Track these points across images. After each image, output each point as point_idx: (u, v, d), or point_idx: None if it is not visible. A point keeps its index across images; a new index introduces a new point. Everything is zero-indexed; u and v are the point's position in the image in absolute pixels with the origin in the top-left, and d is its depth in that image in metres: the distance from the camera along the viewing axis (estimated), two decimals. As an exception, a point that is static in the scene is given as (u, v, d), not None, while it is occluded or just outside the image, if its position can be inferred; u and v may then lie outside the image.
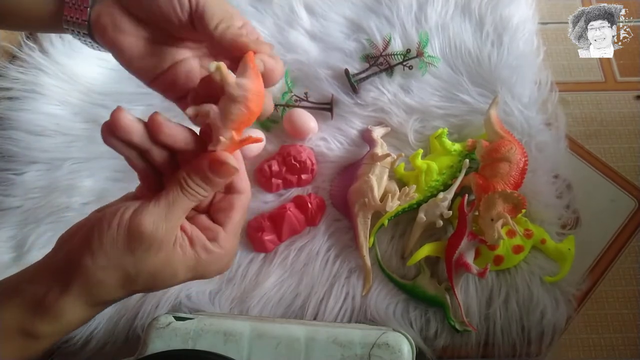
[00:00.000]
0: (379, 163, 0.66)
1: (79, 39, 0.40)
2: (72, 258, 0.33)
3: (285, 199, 0.70)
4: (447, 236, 0.65)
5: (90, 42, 0.40)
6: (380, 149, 0.68)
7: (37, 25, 0.41)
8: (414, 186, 0.64)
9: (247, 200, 0.38)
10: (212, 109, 0.33)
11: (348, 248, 0.67)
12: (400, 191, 0.64)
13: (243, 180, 0.38)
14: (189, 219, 0.36)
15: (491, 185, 0.62)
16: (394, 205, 0.62)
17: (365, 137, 0.72)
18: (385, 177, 0.66)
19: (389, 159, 0.66)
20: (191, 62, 0.40)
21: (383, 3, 0.83)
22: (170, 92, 0.42)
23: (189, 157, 0.35)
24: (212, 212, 0.37)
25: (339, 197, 0.68)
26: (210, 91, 0.34)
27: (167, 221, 0.33)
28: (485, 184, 0.63)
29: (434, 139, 0.70)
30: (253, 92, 0.32)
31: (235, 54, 0.34)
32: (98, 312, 0.35)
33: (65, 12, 0.37)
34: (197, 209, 0.37)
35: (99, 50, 0.41)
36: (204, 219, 0.37)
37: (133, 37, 0.38)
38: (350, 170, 0.69)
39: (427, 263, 0.65)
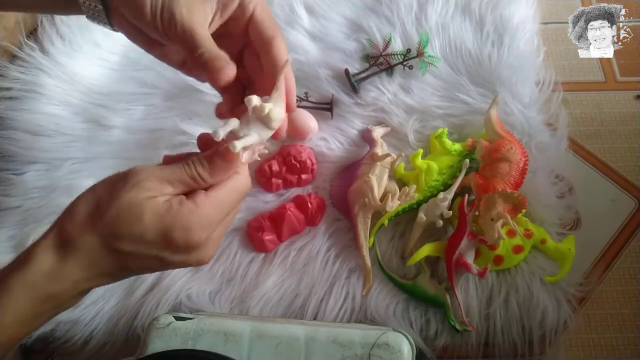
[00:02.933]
0: (379, 163, 0.66)
1: (94, 19, 0.40)
2: None
3: (285, 199, 0.70)
4: (447, 236, 0.65)
5: (106, 25, 0.41)
6: (381, 149, 0.68)
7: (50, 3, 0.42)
8: (414, 186, 0.64)
9: (241, 185, 0.38)
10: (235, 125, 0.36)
11: (348, 248, 0.67)
12: (400, 191, 0.64)
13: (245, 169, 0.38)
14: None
15: (491, 185, 0.62)
16: (394, 205, 0.62)
17: (365, 137, 0.72)
18: (386, 177, 0.66)
19: (389, 159, 0.66)
20: None
21: (383, 3, 0.83)
22: (198, 76, 0.43)
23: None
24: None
25: (339, 197, 0.68)
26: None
27: (156, 170, 0.34)
28: (485, 184, 0.63)
29: (434, 138, 0.70)
30: (282, 119, 0.37)
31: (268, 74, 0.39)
32: (67, 270, 0.33)
33: None
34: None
35: (115, 30, 0.42)
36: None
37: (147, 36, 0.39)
38: (350, 170, 0.69)
39: (427, 263, 0.65)
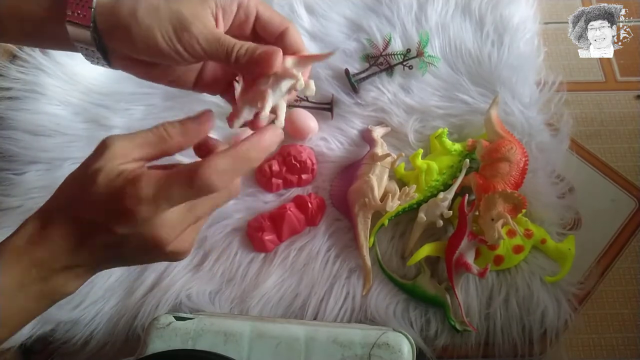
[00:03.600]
0: (379, 163, 0.66)
1: (92, 61, 0.40)
2: None
3: (285, 199, 0.70)
4: (447, 236, 0.65)
5: (102, 63, 0.41)
6: (381, 148, 0.68)
7: (39, 33, 0.41)
8: (414, 186, 0.64)
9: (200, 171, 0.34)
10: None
11: (348, 248, 0.67)
12: (400, 191, 0.64)
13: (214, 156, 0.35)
14: None
15: (491, 185, 0.62)
16: (394, 205, 0.62)
17: (365, 137, 0.72)
18: (386, 177, 0.66)
19: (389, 159, 0.66)
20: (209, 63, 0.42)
21: (383, 3, 0.83)
22: (212, 90, 0.43)
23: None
24: None
25: (339, 197, 0.68)
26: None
27: (126, 136, 0.35)
28: (485, 184, 0.63)
29: (434, 138, 0.70)
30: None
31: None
32: (48, 237, 0.34)
33: (68, 10, 0.37)
34: None
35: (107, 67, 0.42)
36: None
37: (154, 68, 0.40)
38: (351, 170, 0.69)
39: (427, 263, 0.65)
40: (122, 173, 0.33)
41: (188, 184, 0.33)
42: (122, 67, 0.40)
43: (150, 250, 0.35)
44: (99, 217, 0.34)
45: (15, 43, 0.45)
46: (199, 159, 0.34)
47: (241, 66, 0.36)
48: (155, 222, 0.34)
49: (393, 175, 0.69)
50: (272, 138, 0.36)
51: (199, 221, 0.37)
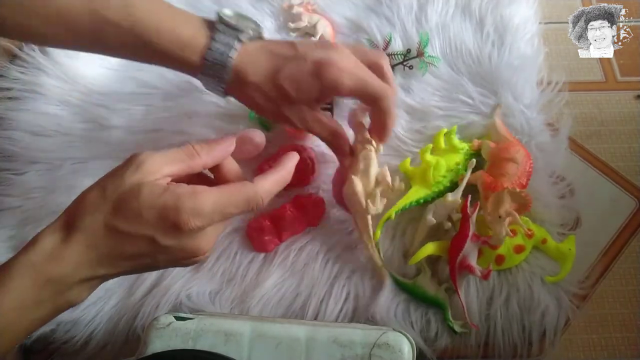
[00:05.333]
0: (361, 156, 0.59)
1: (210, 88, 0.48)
2: None
3: (285, 199, 0.70)
4: (448, 235, 0.65)
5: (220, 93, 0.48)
6: (362, 135, 0.60)
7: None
8: (397, 178, 0.60)
9: (252, 191, 0.39)
10: None
11: (349, 248, 0.67)
12: (383, 179, 0.58)
13: (261, 177, 0.41)
14: None
15: (499, 183, 0.63)
16: (379, 208, 0.59)
17: (351, 122, 0.64)
18: (373, 166, 0.59)
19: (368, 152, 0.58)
20: None
21: (383, 3, 0.83)
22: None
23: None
24: None
25: (338, 195, 0.67)
26: None
27: (154, 154, 0.36)
28: (493, 182, 0.63)
29: (441, 136, 0.69)
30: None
31: None
32: (69, 252, 0.34)
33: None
34: None
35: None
36: None
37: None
38: (341, 168, 0.64)
39: (427, 262, 0.64)
40: (170, 188, 0.35)
41: (246, 205, 0.37)
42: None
43: (185, 258, 0.37)
44: (144, 230, 0.35)
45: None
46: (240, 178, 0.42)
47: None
48: (199, 234, 0.36)
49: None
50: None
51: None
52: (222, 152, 0.39)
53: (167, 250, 0.36)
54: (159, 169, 0.36)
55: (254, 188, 0.38)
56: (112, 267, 0.36)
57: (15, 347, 0.36)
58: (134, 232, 0.34)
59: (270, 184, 0.39)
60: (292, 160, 0.44)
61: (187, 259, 0.38)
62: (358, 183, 0.58)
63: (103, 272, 0.36)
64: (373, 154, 0.58)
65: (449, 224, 0.63)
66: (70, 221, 0.35)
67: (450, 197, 0.63)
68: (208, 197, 0.35)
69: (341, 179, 0.64)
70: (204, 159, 0.38)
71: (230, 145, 0.40)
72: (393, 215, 0.64)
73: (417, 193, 0.65)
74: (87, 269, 0.35)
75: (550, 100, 0.76)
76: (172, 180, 0.37)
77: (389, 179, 0.58)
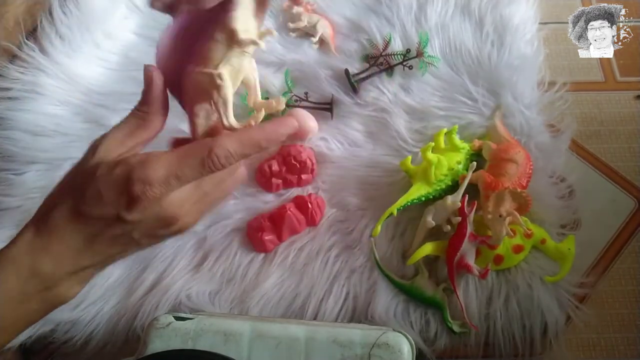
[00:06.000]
0: (236, 48, 0.36)
1: None
2: None
3: (285, 199, 0.70)
4: (447, 235, 0.65)
5: None
6: (242, 22, 0.35)
7: None
8: (280, 98, 0.50)
9: (206, 147, 0.34)
10: None
11: (348, 248, 0.67)
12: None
13: (223, 134, 0.37)
14: None
15: (499, 183, 0.63)
16: (259, 117, 0.39)
17: None
18: (246, 65, 0.37)
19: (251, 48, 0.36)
20: None
21: (383, 3, 0.83)
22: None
23: None
24: None
25: (170, 71, 0.38)
26: None
27: (107, 136, 0.36)
28: (493, 182, 0.63)
29: (441, 136, 0.69)
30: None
31: None
32: (46, 243, 0.34)
33: None
34: None
35: None
36: None
37: None
38: (192, 34, 0.37)
39: (424, 263, 0.64)
40: (122, 161, 0.34)
41: (201, 163, 0.34)
42: None
43: (161, 229, 0.35)
44: (107, 210, 0.33)
45: None
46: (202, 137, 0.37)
47: None
48: (165, 202, 0.34)
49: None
50: (280, 128, 0.37)
51: (206, 197, 0.37)
52: (160, 98, 0.37)
53: (139, 225, 0.34)
54: (116, 145, 0.35)
55: (208, 145, 0.34)
56: (93, 255, 0.35)
57: (10, 342, 0.35)
58: (98, 213, 0.33)
59: (232, 141, 0.34)
60: (281, 127, 0.37)
61: (164, 229, 0.35)
62: (228, 85, 0.36)
63: (86, 262, 0.35)
64: (249, 57, 0.37)
65: (448, 227, 0.63)
66: (41, 214, 0.35)
67: (450, 199, 0.63)
68: (158, 162, 0.33)
69: (182, 53, 0.38)
70: (149, 113, 0.37)
71: (155, 76, 0.36)
72: (395, 212, 0.64)
73: (418, 190, 0.65)
74: (68, 261, 0.34)
75: (552, 102, 0.76)
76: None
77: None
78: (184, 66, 0.37)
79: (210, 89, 0.36)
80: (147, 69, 0.36)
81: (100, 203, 0.33)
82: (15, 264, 0.33)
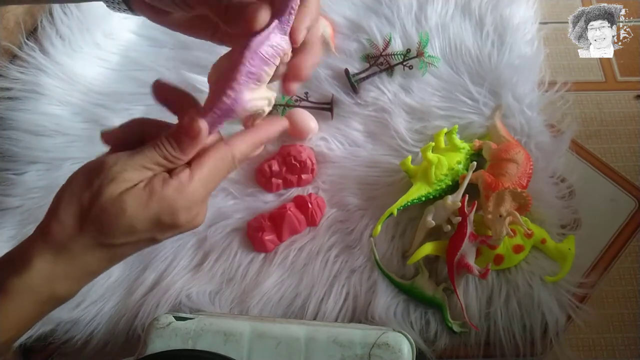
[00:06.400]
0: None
1: (112, 7, 0.40)
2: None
3: (285, 199, 0.70)
4: (447, 235, 0.65)
5: (126, 10, 0.40)
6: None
7: None
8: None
9: (230, 156, 0.36)
10: None
11: (348, 248, 0.67)
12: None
13: (237, 139, 0.36)
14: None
15: (500, 183, 0.63)
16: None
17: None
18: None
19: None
20: None
21: (383, 3, 0.83)
22: (232, 42, 0.41)
23: None
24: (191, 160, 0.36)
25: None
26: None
27: (129, 160, 0.33)
28: (494, 182, 0.63)
29: (441, 136, 0.69)
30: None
31: None
32: (67, 271, 0.33)
33: None
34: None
35: (130, 14, 0.41)
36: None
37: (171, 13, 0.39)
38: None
39: (425, 263, 0.64)
40: (155, 194, 0.33)
41: (227, 171, 0.36)
42: (142, 11, 0.39)
43: (185, 231, 0.37)
44: (140, 237, 0.34)
45: (36, 2, 0.45)
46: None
47: (230, 20, 0.34)
48: (198, 214, 0.36)
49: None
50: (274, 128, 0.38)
51: None
52: (195, 149, 0.35)
53: (167, 237, 0.36)
54: (139, 175, 0.34)
55: (230, 151, 0.35)
56: (112, 263, 0.36)
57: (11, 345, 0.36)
58: (130, 241, 0.34)
59: (246, 145, 0.36)
60: (275, 125, 0.39)
61: (187, 230, 0.37)
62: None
63: (104, 269, 0.36)
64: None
65: (449, 226, 0.63)
66: (57, 242, 0.33)
67: (450, 199, 0.63)
68: (195, 184, 0.34)
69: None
70: (183, 160, 0.35)
71: (200, 132, 0.34)
72: (395, 212, 0.64)
73: (418, 190, 0.65)
74: (87, 280, 0.35)
75: (552, 102, 0.76)
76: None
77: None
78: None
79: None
80: (194, 121, 0.34)
81: (133, 234, 0.34)
82: (33, 293, 0.33)
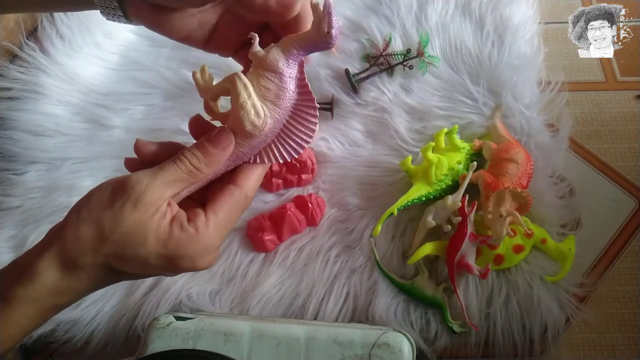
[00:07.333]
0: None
1: (108, 15, 0.39)
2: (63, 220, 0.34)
3: (285, 199, 0.70)
4: (447, 235, 0.65)
5: (121, 18, 0.39)
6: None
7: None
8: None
9: (243, 197, 0.36)
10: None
11: (348, 248, 0.67)
12: None
13: (246, 178, 0.37)
14: (181, 204, 0.36)
15: (500, 182, 0.63)
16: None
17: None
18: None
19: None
20: (225, 17, 0.39)
21: (383, 3, 0.83)
22: (225, 51, 0.41)
23: None
24: (205, 200, 0.36)
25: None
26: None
27: (152, 178, 0.33)
28: (494, 182, 0.63)
29: (442, 135, 0.69)
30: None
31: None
32: (72, 286, 0.33)
33: None
34: (192, 197, 0.37)
35: (128, 24, 0.41)
36: (193, 204, 0.36)
37: (168, 18, 0.38)
38: None
39: (425, 263, 0.64)
40: (173, 235, 0.33)
41: (242, 213, 0.37)
42: (138, 17, 0.39)
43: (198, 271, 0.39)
44: (151, 271, 0.34)
45: (31, 11, 0.44)
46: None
47: (262, 11, 0.34)
48: (211, 257, 0.36)
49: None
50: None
51: None
52: (221, 162, 0.36)
53: (178, 274, 0.37)
54: (160, 197, 0.33)
55: (243, 193, 0.36)
56: (116, 282, 0.37)
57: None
58: (141, 273, 0.35)
59: (255, 182, 0.37)
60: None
61: (199, 271, 0.38)
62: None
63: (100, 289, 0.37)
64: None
65: (449, 226, 0.63)
66: (68, 258, 0.33)
67: (450, 199, 0.63)
68: (211, 232, 0.34)
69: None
70: (205, 173, 0.35)
71: (228, 145, 0.35)
72: (395, 212, 0.64)
73: (418, 190, 0.65)
74: (92, 292, 0.35)
75: (551, 101, 0.76)
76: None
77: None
78: None
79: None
80: (226, 132, 0.35)
81: (145, 267, 0.34)
82: (37, 304, 0.33)
